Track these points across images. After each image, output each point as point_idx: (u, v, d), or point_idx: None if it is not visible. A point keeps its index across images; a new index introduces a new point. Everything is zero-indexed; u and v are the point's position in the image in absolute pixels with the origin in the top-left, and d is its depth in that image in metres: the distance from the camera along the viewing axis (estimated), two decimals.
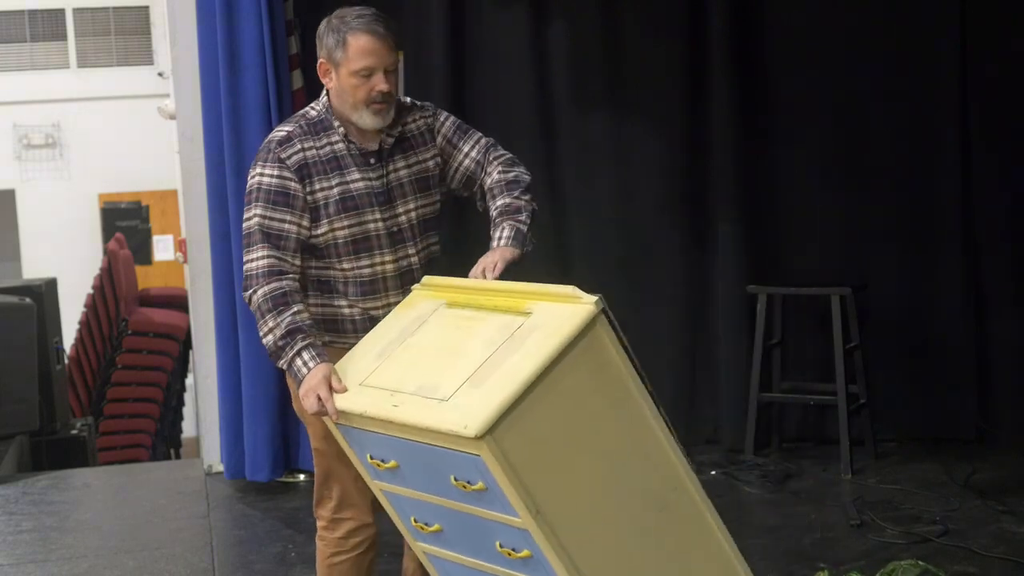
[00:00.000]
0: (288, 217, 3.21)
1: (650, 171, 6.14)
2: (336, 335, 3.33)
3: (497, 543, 2.89)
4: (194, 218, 5.96)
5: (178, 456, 10.95)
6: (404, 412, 2.86)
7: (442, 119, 3.41)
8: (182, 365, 10.73)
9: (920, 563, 4.11)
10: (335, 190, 3.24)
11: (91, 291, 11.06)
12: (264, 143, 3.30)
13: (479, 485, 2.79)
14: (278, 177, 3.21)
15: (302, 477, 5.89)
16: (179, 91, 5.99)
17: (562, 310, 2.89)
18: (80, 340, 10.73)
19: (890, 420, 6.05)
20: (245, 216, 3.25)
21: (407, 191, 3.32)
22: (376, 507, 3.36)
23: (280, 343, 3.12)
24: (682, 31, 6.11)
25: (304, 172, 3.22)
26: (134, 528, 5.44)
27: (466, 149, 3.40)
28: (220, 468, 5.92)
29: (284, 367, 3.14)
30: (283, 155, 3.22)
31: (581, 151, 6.16)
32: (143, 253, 13.75)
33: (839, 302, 5.63)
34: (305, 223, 3.23)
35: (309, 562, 4.76)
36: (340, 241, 3.26)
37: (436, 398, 2.83)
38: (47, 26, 13.90)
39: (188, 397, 10.74)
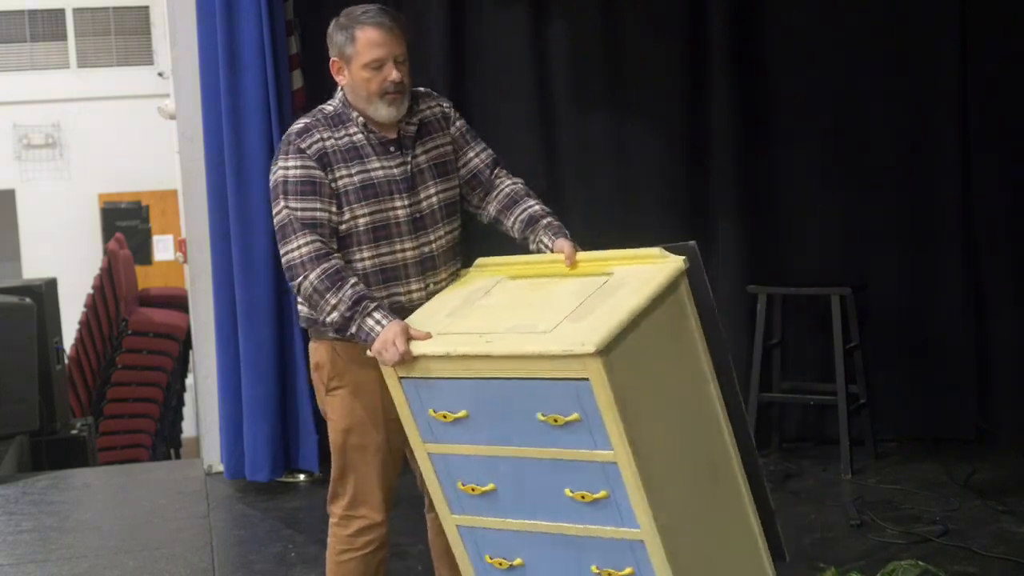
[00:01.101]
0: (318, 205, 3.26)
1: (650, 171, 6.14)
2: None
3: (567, 489, 2.94)
4: (194, 218, 5.96)
5: (178, 456, 10.95)
6: (501, 345, 2.93)
7: (456, 115, 3.51)
8: (182, 365, 10.73)
9: (920, 563, 4.11)
10: (355, 178, 3.29)
11: (91, 291, 11.06)
12: (283, 137, 3.36)
13: (573, 416, 2.85)
14: (302, 167, 3.27)
15: (302, 477, 5.89)
16: (179, 91, 5.99)
17: (648, 267, 3.06)
18: (80, 340, 10.72)
19: (890, 420, 6.05)
20: (275, 211, 3.30)
21: (427, 176, 3.38)
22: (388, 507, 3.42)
23: (348, 314, 3.18)
24: (682, 31, 6.11)
25: (325, 160, 3.28)
26: (134, 528, 5.44)
27: (477, 149, 3.50)
28: (220, 468, 5.92)
29: (354, 333, 3.19)
30: (303, 145, 3.28)
31: (581, 151, 6.16)
32: (143, 253, 13.74)
33: (839, 302, 5.63)
34: (334, 209, 3.29)
35: (309, 562, 4.76)
36: (361, 228, 3.30)
37: (536, 332, 2.91)
38: (47, 26, 13.90)
39: (188, 397, 10.73)
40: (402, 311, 3.28)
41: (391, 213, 3.31)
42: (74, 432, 7.84)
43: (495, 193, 3.48)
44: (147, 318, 10.48)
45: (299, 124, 3.34)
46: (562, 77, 6.13)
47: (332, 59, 3.34)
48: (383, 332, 3.13)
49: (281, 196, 3.27)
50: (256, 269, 5.65)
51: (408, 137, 3.37)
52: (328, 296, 3.20)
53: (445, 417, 3.05)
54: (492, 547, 3.15)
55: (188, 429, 11.34)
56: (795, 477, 5.63)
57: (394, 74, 3.27)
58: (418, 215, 3.35)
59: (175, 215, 11.69)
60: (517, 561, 3.11)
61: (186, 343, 10.05)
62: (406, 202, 3.33)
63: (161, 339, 10.47)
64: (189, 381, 9.86)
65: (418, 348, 3.05)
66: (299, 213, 3.25)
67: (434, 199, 3.38)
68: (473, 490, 3.09)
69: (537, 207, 3.45)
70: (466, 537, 3.20)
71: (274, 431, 5.73)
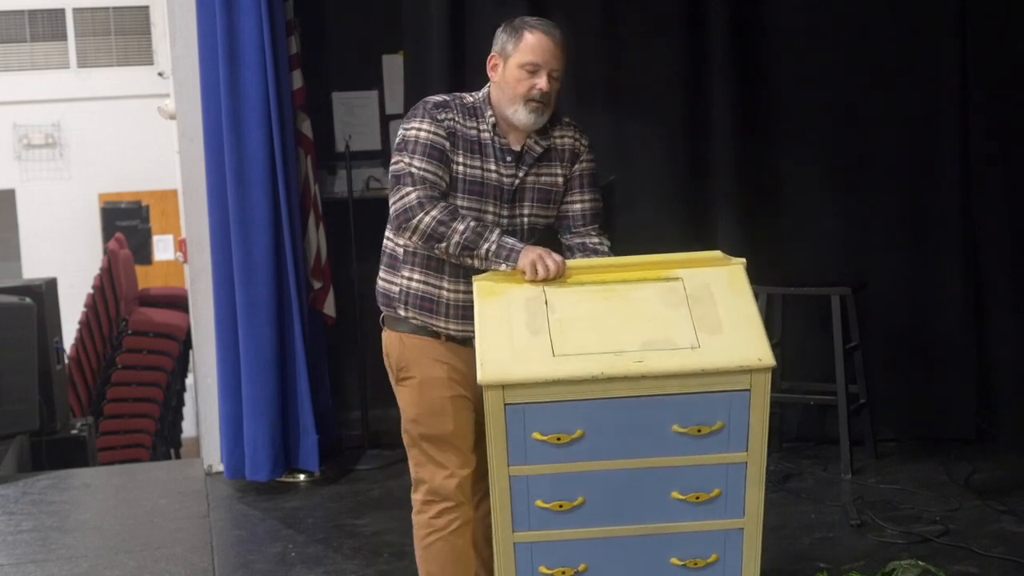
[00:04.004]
0: (439, 171, 3.35)
1: (650, 171, 6.14)
2: (428, 315, 3.42)
3: (674, 493, 3.03)
4: (194, 218, 5.97)
5: (178, 456, 10.94)
6: (657, 364, 2.96)
7: (590, 157, 3.56)
8: (182, 365, 10.73)
9: (920, 563, 4.11)
10: (469, 170, 3.38)
11: (91, 291, 11.06)
12: (418, 103, 3.44)
13: (717, 425, 2.98)
14: (434, 134, 3.37)
15: (302, 477, 5.89)
16: (179, 91, 5.99)
17: (716, 271, 3.18)
18: (80, 340, 10.72)
19: (890, 420, 6.05)
20: (395, 161, 3.38)
21: (527, 196, 3.44)
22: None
23: (479, 230, 3.27)
24: (682, 31, 6.11)
25: (452, 139, 3.37)
26: (134, 528, 5.45)
27: (586, 197, 3.52)
28: (220, 468, 5.92)
29: (491, 251, 3.25)
30: (438, 116, 3.39)
31: None
32: (143, 253, 13.73)
33: (839, 302, 5.63)
34: (448, 180, 3.37)
35: (308, 562, 4.77)
36: None
37: (683, 348, 2.99)
38: (47, 26, 13.89)
39: (188, 397, 10.73)
40: (469, 308, 3.33)
41: (487, 217, 3.38)
42: (74, 432, 7.84)
43: (580, 241, 3.50)
44: (147, 318, 10.48)
45: (438, 97, 3.46)
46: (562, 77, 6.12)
47: (492, 54, 3.43)
48: (523, 251, 3.22)
49: (407, 152, 3.36)
50: (256, 269, 5.65)
51: (530, 155, 3.43)
52: (454, 224, 3.28)
53: (559, 440, 3.02)
54: (552, 558, 3.14)
55: (188, 429, 11.33)
56: (795, 477, 5.63)
57: (544, 83, 3.35)
58: (512, 228, 3.41)
59: (175, 215, 11.70)
60: (581, 567, 3.13)
61: (186, 343, 10.05)
62: (502, 212, 3.41)
63: (161, 339, 10.47)
64: (189, 381, 9.85)
65: (556, 370, 3.00)
66: (420, 172, 3.33)
67: (525, 219, 3.45)
68: (560, 507, 3.08)
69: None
70: (521, 552, 3.16)
71: (274, 431, 5.73)
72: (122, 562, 4.91)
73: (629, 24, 6.12)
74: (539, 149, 3.45)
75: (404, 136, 3.38)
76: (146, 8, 13.79)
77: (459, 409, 3.45)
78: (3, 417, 6.90)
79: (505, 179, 3.40)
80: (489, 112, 3.42)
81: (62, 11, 13.87)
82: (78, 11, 13.89)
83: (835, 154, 6.12)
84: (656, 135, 6.14)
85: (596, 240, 3.50)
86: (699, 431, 2.98)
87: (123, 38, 14.00)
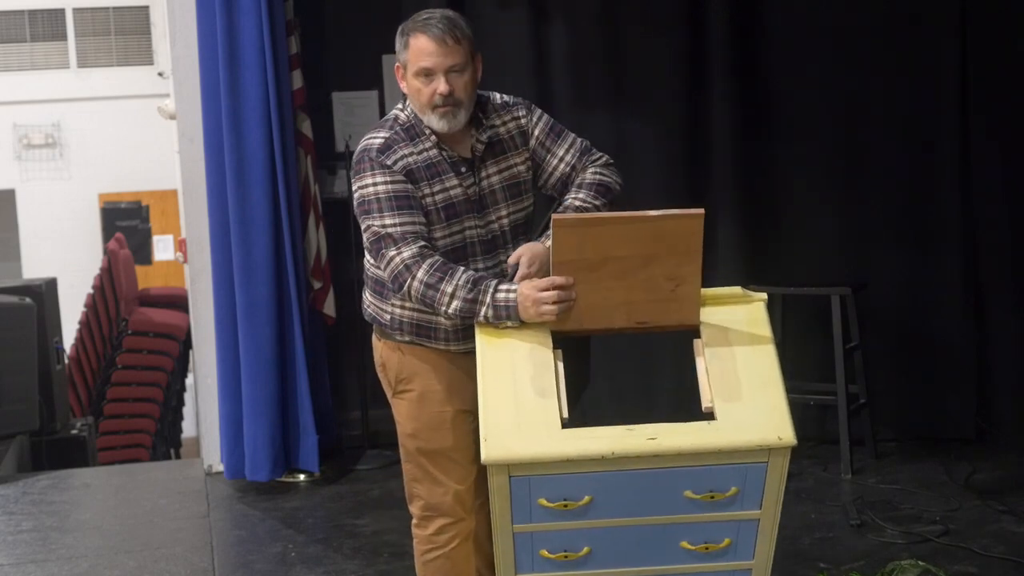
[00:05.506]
0: (411, 219, 3.17)
1: (650, 171, 6.14)
2: (426, 340, 3.31)
3: (684, 543, 2.95)
4: (194, 218, 5.97)
5: (178, 456, 10.94)
6: (673, 442, 2.85)
7: (535, 119, 3.37)
8: (182, 365, 10.73)
9: (920, 563, 4.11)
10: (437, 197, 3.22)
11: (91, 291, 11.06)
12: (360, 153, 3.25)
13: (731, 491, 2.91)
14: (392, 183, 3.17)
15: (302, 477, 5.89)
16: (179, 91, 5.99)
17: (734, 310, 3.04)
18: (80, 340, 10.72)
19: (890, 420, 6.05)
20: (365, 226, 3.20)
21: (499, 198, 3.30)
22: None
23: (469, 297, 3.08)
24: (682, 31, 6.11)
25: (410, 177, 3.20)
26: (134, 528, 5.45)
27: (561, 153, 3.36)
28: (220, 468, 5.92)
29: (489, 316, 3.08)
30: (387, 162, 3.19)
31: None
32: (143, 253, 13.72)
33: (839, 302, 5.63)
34: (424, 221, 3.19)
35: (308, 562, 4.77)
36: (439, 250, 3.21)
37: (698, 422, 2.87)
38: (47, 26, 13.88)
39: (188, 397, 10.73)
40: (468, 329, 3.22)
41: (468, 233, 3.26)
42: (74, 432, 7.84)
43: (578, 183, 3.35)
44: (147, 318, 10.48)
45: (377, 139, 3.23)
46: (562, 77, 6.14)
47: (396, 64, 3.26)
48: (521, 300, 3.04)
49: (375, 213, 3.17)
50: (256, 269, 5.65)
51: (477, 156, 3.28)
52: (443, 287, 3.10)
53: (565, 506, 2.92)
54: None
55: (188, 429, 11.33)
56: (795, 477, 5.62)
57: (442, 87, 3.15)
58: (489, 236, 3.29)
59: (175, 215, 11.68)
60: None
61: (186, 343, 10.05)
62: (478, 223, 3.27)
63: (161, 339, 10.47)
64: (189, 381, 9.85)
65: (568, 448, 2.86)
66: (397, 230, 3.15)
67: (505, 221, 3.31)
68: (566, 556, 3.00)
69: (568, 199, 3.31)
70: None
71: (274, 431, 5.73)
72: (122, 562, 4.91)
73: (629, 24, 6.12)
74: (482, 147, 3.26)
75: (362, 196, 3.19)
76: (146, 8, 13.79)
77: (459, 423, 3.31)
78: (3, 417, 6.91)
79: (469, 190, 3.24)
80: (427, 129, 3.22)
81: (62, 11, 13.87)
82: (78, 11, 13.89)
83: (835, 154, 6.12)
84: (656, 135, 6.14)
85: (583, 175, 3.31)
86: (712, 497, 2.89)
87: (123, 38, 14.00)
